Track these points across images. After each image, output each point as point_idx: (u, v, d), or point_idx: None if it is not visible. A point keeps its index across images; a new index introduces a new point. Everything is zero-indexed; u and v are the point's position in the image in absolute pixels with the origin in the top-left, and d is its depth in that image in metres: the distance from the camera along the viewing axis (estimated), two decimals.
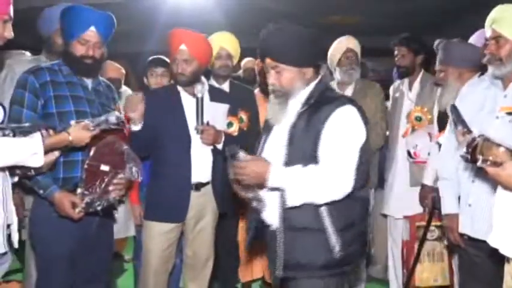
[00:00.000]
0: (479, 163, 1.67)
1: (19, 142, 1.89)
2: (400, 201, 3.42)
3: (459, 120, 2.14)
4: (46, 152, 1.99)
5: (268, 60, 2.06)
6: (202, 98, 2.75)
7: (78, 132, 2.12)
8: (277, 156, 2.01)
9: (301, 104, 2.04)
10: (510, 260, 1.81)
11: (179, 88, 2.84)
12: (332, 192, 1.94)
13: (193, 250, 2.89)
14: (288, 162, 1.98)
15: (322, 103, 2.00)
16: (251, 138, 3.43)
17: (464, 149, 1.75)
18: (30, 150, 1.90)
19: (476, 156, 1.68)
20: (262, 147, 2.16)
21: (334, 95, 2.10)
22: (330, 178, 1.92)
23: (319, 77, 2.10)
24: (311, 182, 1.93)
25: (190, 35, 2.81)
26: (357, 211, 2.05)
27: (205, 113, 2.76)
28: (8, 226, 2.01)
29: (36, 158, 1.92)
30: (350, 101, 2.06)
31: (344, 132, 1.95)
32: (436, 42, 2.99)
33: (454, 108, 2.26)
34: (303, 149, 1.97)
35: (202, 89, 2.77)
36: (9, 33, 1.97)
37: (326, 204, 1.96)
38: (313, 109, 2.00)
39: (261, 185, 1.98)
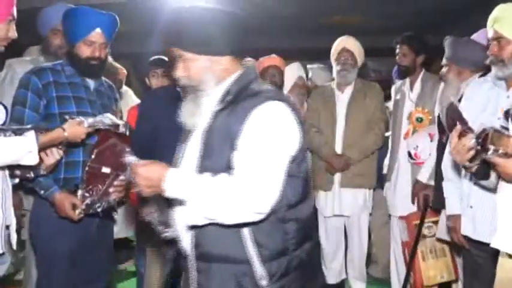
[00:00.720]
0: (490, 153, 1.64)
1: (13, 141, 1.89)
2: (403, 202, 3.42)
3: (459, 118, 1.94)
4: (43, 148, 1.99)
5: (173, 49, 1.70)
6: None
7: (74, 128, 2.11)
8: (191, 170, 1.65)
9: (217, 102, 1.66)
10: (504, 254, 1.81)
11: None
12: (241, 211, 1.52)
13: None
14: None
15: (242, 100, 1.61)
16: None
17: (474, 140, 1.72)
18: (24, 149, 1.90)
19: (487, 146, 1.65)
20: (180, 160, 1.75)
21: (258, 89, 1.65)
22: (239, 193, 1.50)
23: (243, 69, 1.71)
24: (215, 196, 1.52)
25: None
26: (290, 235, 1.64)
27: None
28: (7, 227, 2.01)
29: (31, 156, 1.91)
30: (278, 96, 1.67)
31: (266, 135, 1.55)
32: (445, 38, 2.99)
33: (452, 106, 2.09)
34: (220, 158, 1.58)
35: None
36: (13, 33, 1.98)
37: (249, 227, 1.58)
38: (231, 108, 1.61)
39: (159, 198, 1.61)
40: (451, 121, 1.92)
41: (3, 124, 1.99)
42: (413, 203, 3.30)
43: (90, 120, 2.16)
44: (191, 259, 1.65)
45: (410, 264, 3.20)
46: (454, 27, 4.93)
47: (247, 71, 1.71)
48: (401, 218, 3.36)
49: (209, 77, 1.66)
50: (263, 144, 1.54)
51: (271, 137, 1.55)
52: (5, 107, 2.05)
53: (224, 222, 1.55)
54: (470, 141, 1.76)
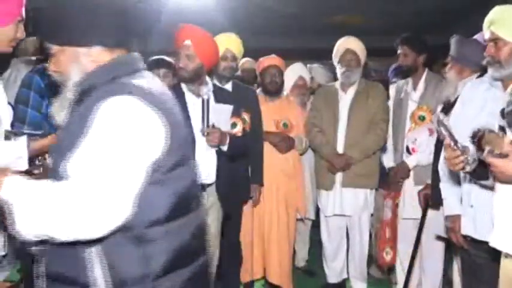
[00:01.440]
0: (485, 153, 1.65)
1: (3, 145, 1.87)
2: (407, 200, 3.43)
3: (447, 132, 1.92)
4: (38, 154, 1.97)
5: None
6: (208, 100, 2.75)
7: None
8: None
9: (72, 94, 1.45)
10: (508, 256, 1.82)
11: (184, 89, 2.84)
12: (75, 226, 1.23)
13: None
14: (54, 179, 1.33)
15: (94, 92, 1.37)
16: (255, 138, 3.45)
17: (470, 139, 1.73)
18: (14, 154, 1.86)
19: (483, 146, 1.66)
20: None
21: (118, 81, 1.39)
22: (72, 203, 1.23)
23: (112, 58, 1.46)
24: (44, 207, 1.24)
25: (196, 31, 2.80)
26: (154, 259, 1.36)
27: (211, 115, 2.76)
28: None
29: (21, 162, 1.86)
30: (137, 89, 1.37)
31: (110, 133, 1.29)
32: (452, 37, 3.01)
33: (440, 121, 2.04)
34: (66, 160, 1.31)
35: (208, 91, 2.76)
36: (21, 34, 1.95)
37: (98, 246, 1.32)
38: (84, 102, 1.39)
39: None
40: (441, 133, 1.94)
41: (12, 125, 2.00)
42: (393, 180, 3.44)
43: None
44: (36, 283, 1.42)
45: (391, 242, 3.24)
46: (455, 27, 4.93)
47: (118, 60, 1.46)
48: (387, 196, 3.43)
49: (76, 70, 1.46)
50: (106, 144, 1.28)
51: (117, 136, 1.29)
52: (12, 106, 2.06)
53: (56, 238, 1.26)
54: (457, 156, 1.81)
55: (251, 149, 3.41)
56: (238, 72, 4.49)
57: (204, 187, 2.79)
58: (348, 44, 3.68)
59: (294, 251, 4.36)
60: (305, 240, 4.41)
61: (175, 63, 2.87)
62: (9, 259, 2.10)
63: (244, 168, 3.40)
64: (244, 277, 3.67)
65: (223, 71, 3.35)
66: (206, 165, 2.79)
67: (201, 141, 2.74)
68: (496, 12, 2.12)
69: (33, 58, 3.07)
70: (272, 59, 3.78)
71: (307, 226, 4.35)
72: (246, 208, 3.51)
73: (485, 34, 2.17)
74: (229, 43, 3.36)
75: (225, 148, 2.81)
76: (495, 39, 2.11)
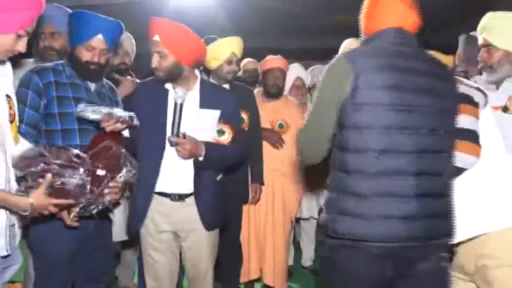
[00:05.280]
0: None
1: None
2: None
3: None
4: None
5: None
6: (181, 105, 2.40)
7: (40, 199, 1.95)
8: None
9: None
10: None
11: (171, 90, 2.53)
12: None
13: (191, 263, 2.68)
14: None
15: None
16: (255, 138, 3.45)
17: None
18: None
19: None
20: None
21: None
22: None
23: None
24: None
25: (164, 24, 2.42)
26: None
27: (189, 122, 2.43)
28: (13, 226, 2.02)
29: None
30: None
31: None
32: (460, 35, 3.02)
33: None
34: None
35: (183, 94, 2.41)
36: (21, 48, 1.89)
37: None
38: None
39: None
40: None
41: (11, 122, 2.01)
42: None
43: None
44: None
45: None
46: (456, 27, 4.92)
47: None
48: None
49: None
50: None
51: None
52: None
53: None
54: None
55: (250, 149, 3.40)
56: (240, 73, 4.50)
57: (182, 197, 2.53)
58: (351, 44, 3.67)
59: (300, 251, 4.36)
60: (311, 240, 4.40)
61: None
62: (13, 260, 2.09)
63: (244, 168, 3.40)
64: (244, 277, 3.67)
65: (227, 74, 3.32)
66: (182, 174, 2.50)
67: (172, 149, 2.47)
68: (488, 20, 2.19)
69: (31, 60, 3.06)
70: (277, 61, 3.78)
71: (310, 225, 4.34)
72: (244, 208, 3.51)
73: (479, 39, 2.23)
74: (235, 47, 3.33)
75: (201, 159, 2.45)
76: (487, 45, 2.19)
